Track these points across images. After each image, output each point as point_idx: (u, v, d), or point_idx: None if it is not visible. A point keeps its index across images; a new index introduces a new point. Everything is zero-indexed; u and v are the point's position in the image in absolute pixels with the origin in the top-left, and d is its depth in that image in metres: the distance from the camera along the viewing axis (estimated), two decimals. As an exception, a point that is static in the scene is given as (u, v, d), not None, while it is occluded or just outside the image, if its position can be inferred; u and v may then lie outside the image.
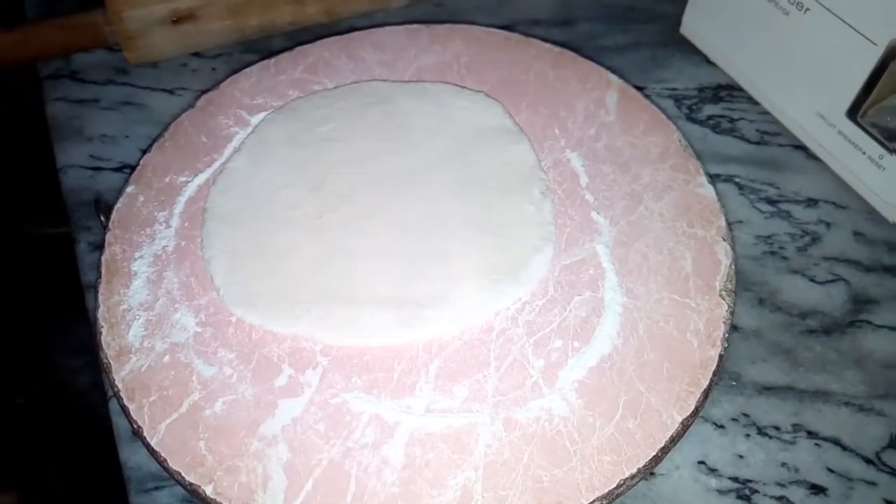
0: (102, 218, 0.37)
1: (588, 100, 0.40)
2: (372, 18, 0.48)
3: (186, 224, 0.36)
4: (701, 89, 0.44)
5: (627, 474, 0.27)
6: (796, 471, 0.31)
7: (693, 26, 0.46)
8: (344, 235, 0.34)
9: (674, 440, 0.28)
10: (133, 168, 0.38)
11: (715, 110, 0.43)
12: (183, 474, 0.28)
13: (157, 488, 0.31)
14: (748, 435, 0.32)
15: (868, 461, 0.31)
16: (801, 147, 0.41)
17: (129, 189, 0.37)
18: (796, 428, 0.32)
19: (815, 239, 0.38)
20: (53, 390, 0.86)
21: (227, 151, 0.38)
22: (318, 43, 0.43)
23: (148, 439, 0.29)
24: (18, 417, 0.83)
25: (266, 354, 0.31)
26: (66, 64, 0.47)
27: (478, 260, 0.33)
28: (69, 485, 0.78)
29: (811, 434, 0.32)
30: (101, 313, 0.32)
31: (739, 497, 0.30)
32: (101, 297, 0.33)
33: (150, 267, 0.34)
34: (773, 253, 0.37)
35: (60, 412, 0.84)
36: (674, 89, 0.44)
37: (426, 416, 0.29)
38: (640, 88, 0.41)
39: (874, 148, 0.37)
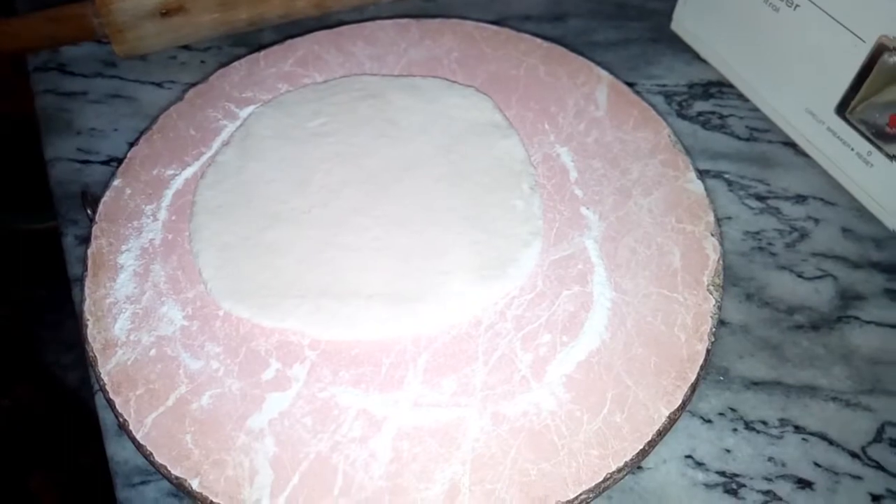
0: (89, 211, 0.36)
1: (578, 95, 0.40)
2: (362, 12, 0.48)
3: (174, 217, 0.35)
4: (691, 86, 0.44)
5: (614, 468, 0.27)
6: (783, 465, 0.31)
7: (684, 23, 0.46)
8: (333, 230, 0.34)
9: (661, 434, 0.28)
10: (121, 161, 0.38)
11: (705, 107, 0.43)
12: (169, 468, 0.28)
13: (143, 482, 0.30)
14: (735, 429, 0.32)
15: (854, 455, 0.31)
16: (790, 144, 0.41)
17: (116, 182, 0.37)
18: (783, 423, 0.32)
19: (804, 235, 0.38)
20: (44, 386, 0.85)
21: (216, 145, 0.38)
22: (308, 36, 0.43)
23: (134, 433, 0.29)
24: (5, 417, 0.82)
25: (253, 348, 0.31)
26: (54, 56, 0.46)
27: (466, 254, 0.33)
28: (61, 481, 0.78)
29: (798, 429, 0.32)
30: (87, 306, 0.32)
31: (726, 491, 0.30)
32: (87, 291, 0.33)
33: (137, 260, 0.34)
34: (761, 249, 0.37)
35: (51, 408, 0.84)
36: (664, 85, 0.44)
37: (414, 410, 0.29)
38: (630, 84, 0.41)
39: (863, 144, 0.37)
